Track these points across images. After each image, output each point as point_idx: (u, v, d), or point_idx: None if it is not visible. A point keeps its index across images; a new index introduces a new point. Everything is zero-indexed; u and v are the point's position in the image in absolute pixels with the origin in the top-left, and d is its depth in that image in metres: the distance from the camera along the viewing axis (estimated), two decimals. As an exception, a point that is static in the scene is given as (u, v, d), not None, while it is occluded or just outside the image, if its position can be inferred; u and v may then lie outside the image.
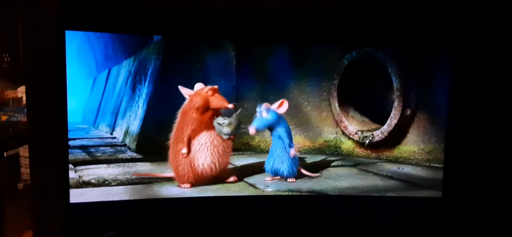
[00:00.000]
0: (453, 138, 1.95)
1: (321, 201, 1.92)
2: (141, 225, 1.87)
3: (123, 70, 2.32)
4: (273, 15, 1.84)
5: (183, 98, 1.91)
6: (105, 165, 2.01)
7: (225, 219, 1.90)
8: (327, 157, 2.24)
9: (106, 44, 2.20)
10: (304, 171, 2.02)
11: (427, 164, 2.05)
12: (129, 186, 1.85)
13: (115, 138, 2.34)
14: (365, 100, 2.25)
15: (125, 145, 2.24)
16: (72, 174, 1.83)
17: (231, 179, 1.94)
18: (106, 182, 1.86)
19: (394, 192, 1.94)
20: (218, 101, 1.86)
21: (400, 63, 2.04)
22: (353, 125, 2.25)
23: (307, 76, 2.15)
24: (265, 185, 1.93)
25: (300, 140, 2.21)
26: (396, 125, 2.11)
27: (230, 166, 1.98)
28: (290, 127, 2.00)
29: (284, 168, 1.95)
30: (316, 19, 1.88)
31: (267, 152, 2.08)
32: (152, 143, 2.11)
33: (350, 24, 1.90)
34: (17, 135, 2.22)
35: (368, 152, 2.20)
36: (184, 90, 1.88)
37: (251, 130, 1.93)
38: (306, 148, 2.00)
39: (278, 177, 1.98)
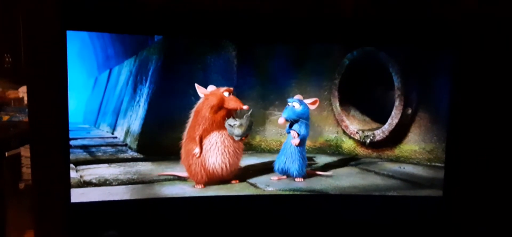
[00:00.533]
0: (454, 137, 1.95)
1: (322, 200, 1.92)
2: (142, 224, 1.87)
3: (124, 70, 2.33)
4: (273, 15, 1.84)
5: (184, 98, 1.91)
6: (106, 165, 2.01)
7: (226, 218, 1.91)
8: (328, 156, 2.24)
9: (107, 44, 2.21)
10: (318, 172, 2.02)
11: (428, 163, 2.05)
12: (130, 186, 1.86)
13: (116, 137, 2.34)
14: (366, 99, 2.25)
15: (126, 145, 2.24)
16: (73, 174, 1.83)
17: (233, 180, 1.95)
18: (107, 182, 1.86)
19: (395, 191, 1.94)
20: (233, 102, 1.86)
21: (401, 62, 2.03)
22: (354, 124, 2.25)
23: (308, 76, 2.15)
24: (266, 184, 1.93)
25: (301, 139, 2.21)
26: (397, 124, 2.10)
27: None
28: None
29: (295, 167, 1.95)
30: (317, 18, 1.88)
31: (268, 151, 2.08)
32: (153, 143, 2.12)
33: (351, 24, 1.90)
34: (18, 135, 2.23)
35: (369, 151, 2.20)
36: (200, 89, 1.88)
37: (281, 120, 1.93)
38: (308, 147, 1.99)
39: (285, 177, 1.98)
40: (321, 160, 2.19)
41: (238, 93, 2.00)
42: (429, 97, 2.05)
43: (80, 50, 1.90)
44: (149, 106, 2.12)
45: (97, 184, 1.85)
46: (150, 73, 2.14)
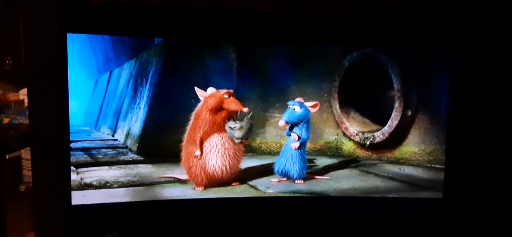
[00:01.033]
0: (454, 139, 1.95)
1: (322, 202, 1.92)
2: (142, 226, 1.87)
3: (125, 72, 2.33)
4: (273, 17, 1.85)
5: (184, 100, 1.92)
6: (106, 167, 2.02)
7: (227, 221, 1.91)
8: (328, 158, 2.24)
9: (107, 46, 2.21)
10: (317, 177, 2.03)
11: (428, 165, 2.05)
12: (130, 188, 1.86)
13: (116, 140, 2.35)
14: (366, 101, 2.25)
15: (126, 147, 2.24)
16: (73, 176, 1.84)
17: (233, 183, 1.95)
18: (108, 184, 1.87)
19: (395, 193, 1.94)
20: (233, 104, 1.86)
21: (401, 64, 2.04)
22: (354, 126, 2.26)
23: (308, 78, 2.15)
24: (266, 186, 1.93)
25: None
26: (397, 126, 2.11)
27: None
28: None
29: (295, 169, 1.95)
30: (316, 20, 1.88)
31: (268, 153, 2.08)
32: (154, 145, 2.12)
33: (350, 25, 1.90)
34: (19, 137, 2.23)
35: (369, 153, 2.21)
36: (200, 92, 1.88)
37: (281, 122, 1.93)
38: (308, 149, 2.00)
39: (285, 179, 1.98)
40: (321, 162, 2.20)
41: (238, 96, 2.00)
42: (428, 99, 2.05)
43: (80, 53, 1.90)
44: (149, 109, 2.13)
45: (97, 186, 1.85)
46: (150, 75, 2.15)
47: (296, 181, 1.96)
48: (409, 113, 2.09)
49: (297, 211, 1.93)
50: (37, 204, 1.80)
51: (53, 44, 1.71)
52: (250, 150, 2.15)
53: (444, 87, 1.95)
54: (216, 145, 1.86)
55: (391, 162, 2.14)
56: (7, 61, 2.39)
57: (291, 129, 1.94)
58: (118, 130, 2.34)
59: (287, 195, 1.89)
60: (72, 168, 1.84)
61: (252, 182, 1.96)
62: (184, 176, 1.91)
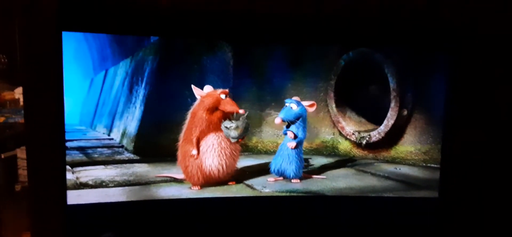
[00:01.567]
0: (449, 138, 1.96)
1: (318, 201, 1.92)
2: (138, 226, 1.87)
3: (120, 71, 2.32)
4: (270, 16, 1.84)
5: (180, 99, 1.91)
6: (102, 166, 2.01)
7: (223, 220, 1.91)
8: (324, 157, 2.24)
9: (103, 45, 2.20)
10: (313, 176, 2.03)
11: (424, 164, 2.06)
12: (126, 187, 1.85)
13: (112, 139, 2.34)
14: (362, 101, 2.25)
15: (122, 146, 2.24)
16: (69, 176, 1.83)
17: (230, 182, 1.95)
18: (104, 184, 1.86)
19: (391, 192, 1.95)
20: (229, 105, 1.85)
21: (397, 63, 2.04)
22: (350, 126, 2.26)
23: (304, 77, 2.15)
24: (262, 186, 1.93)
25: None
26: (393, 125, 2.11)
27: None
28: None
29: (292, 169, 1.95)
30: (313, 20, 1.88)
31: (265, 152, 2.08)
32: (150, 144, 2.12)
33: (346, 25, 1.91)
34: (14, 136, 2.22)
35: (365, 152, 2.21)
36: (196, 91, 1.88)
37: (277, 120, 1.93)
38: (304, 149, 2.00)
39: (282, 178, 1.98)
40: (318, 161, 2.20)
41: (234, 95, 2.00)
42: (424, 98, 2.06)
43: (76, 51, 1.89)
44: (145, 108, 2.12)
45: (93, 185, 1.84)
46: (146, 74, 2.14)
47: (292, 180, 1.96)
48: (405, 112, 2.10)
49: (294, 211, 1.93)
50: (33, 204, 1.80)
51: (49, 43, 1.71)
52: (246, 149, 2.15)
53: (440, 87, 1.95)
54: (213, 144, 1.86)
55: (387, 161, 2.15)
56: (2, 60, 2.37)
57: (288, 128, 1.94)
58: (114, 129, 2.34)
59: (284, 194, 1.89)
60: (68, 167, 1.83)
61: (249, 181, 1.96)
62: (180, 175, 1.91)
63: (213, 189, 1.89)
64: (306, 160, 2.12)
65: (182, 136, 1.89)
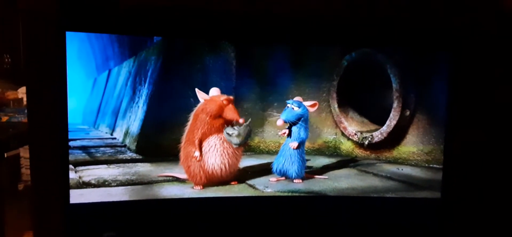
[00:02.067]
0: (452, 139, 1.95)
1: (320, 201, 1.92)
2: (141, 225, 1.87)
3: (123, 71, 2.33)
4: (272, 16, 1.85)
5: (183, 99, 1.92)
6: (105, 166, 2.02)
7: (225, 220, 1.91)
8: (326, 157, 2.24)
9: (106, 45, 2.21)
10: (316, 177, 2.03)
11: (426, 165, 2.05)
12: (129, 187, 1.86)
13: (115, 138, 2.35)
14: (364, 101, 2.25)
15: (125, 146, 2.24)
16: (72, 175, 1.83)
17: (232, 182, 1.95)
18: (106, 183, 1.87)
19: (393, 192, 1.94)
20: (231, 113, 1.85)
21: (399, 64, 2.04)
22: (353, 126, 2.26)
23: (307, 77, 2.15)
24: (264, 186, 1.93)
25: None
26: (396, 125, 2.11)
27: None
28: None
29: (294, 169, 1.94)
30: (315, 20, 1.88)
31: (267, 152, 2.08)
32: (152, 144, 2.12)
33: (349, 25, 1.91)
34: (17, 135, 2.23)
35: (368, 152, 2.21)
36: (200, 94, 1.87)
37: (279, 121, 1.93)
38: (306, 149, 2.00)
39: (284, 178, 1.98)
40: (320, 161, 2.20)
41: (237, 95, 2.01)
42: (427, 99, 2.05)
43: (79, 51, 1.90)
44: (148, 108, 2.13)
45: (96, 185, 1.85)
46: (149, 74, 2.15)
47: (294, 181, 1.96)
48: (408, 113, 2.09)
49: (296, 211, 1.93)
50: (36, 203, 1.80)
51: (52, 43, 1.71)
52: (248, 149, 2.15)
53: (442, 87, 1.95)
54: (215, 144, 1.86)
55: (389, 161, 2.15)
56: (6, 60, 2.39)
57: (289, 129, 1.94)
58: (116, 128, 2.34)
59: (286, 194, 1.89)
60: (71, 166, 1.84)
61: (251, 181, 1.96)
62: (183, 175, 1.91)
63: (215, 189, 1.89)
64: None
65: (184, 137, 1.89)
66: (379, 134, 2.16)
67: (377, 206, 1.93)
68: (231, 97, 1.88)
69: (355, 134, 2.24)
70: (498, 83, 1.94)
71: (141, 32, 1.96)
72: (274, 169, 1.98)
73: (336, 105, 2.26)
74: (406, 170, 2.07)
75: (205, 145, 1.86)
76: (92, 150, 2.14)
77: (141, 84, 2.18)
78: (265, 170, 2.02)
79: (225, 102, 1.86)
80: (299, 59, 2.14)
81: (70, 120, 1.75)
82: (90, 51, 2.11)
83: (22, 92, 2.47)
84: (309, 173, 2.03)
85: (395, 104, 2.09)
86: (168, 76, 2.11)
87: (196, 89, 1.87)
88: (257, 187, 1.92)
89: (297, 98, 1.95)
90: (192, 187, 1.88)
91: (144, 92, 2.15)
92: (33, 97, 1.75)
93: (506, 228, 1.99)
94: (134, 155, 2.15)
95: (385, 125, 2.14)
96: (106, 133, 2.41)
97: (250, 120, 1.87)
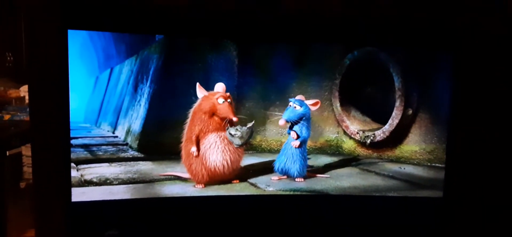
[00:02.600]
0: (454, 138, 1.95)
1: (322, 200, 1.92)
2: (142, 224, 1.87)
3: (125, 69, 2.33)
4: (275, 15, 1.84)
5: (185, 98, 1.91)
6: (107, 164, 2.02)
7: (227, 218, 1.91)
8: (328, 156, 2.24)
9: (108, 43, 2.21)
10: (318, 175, 2.02)
11: (429, 164, 2.05)
12: (130, 185, 1.86)
13: (117, 137, 2.35)
14: (366, 100, 2.25)
15: (127, 144, 2.24)
16: (74, 173, 1.83)
17: (234, 180, 1.95)
18: (108, 181, 1.87)
19: (396, 192, 1.94)
20: (224, 111, 1.84)
21: (402, 63, 2.03)
22: (355, 125, 2.25)
23: (309, 76, 2.15)
24: (266, 184, 1.93)
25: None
26: (398, 124, 2.10)
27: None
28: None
29: (296, 168, 1.94)
30: (318, 19, 1.88)
31: (269, 151, 2.08)
32: (154, 142, 2.12)
33: (352, 24, 1.90)
34: (19, 134, 2.24)
35: (370, 151, 2.20)
36: (199, 90, 1.87)
37: (281, 121, 1.93)
38: (308, 147, 1.99)
39: (285, 177, 1.98)
40: (322, 160, 2.19)
41: (239, 94, 2.00)
42: (429, 98, 2.05)
43: (81, 49, 1.90)
44: (150, 106, 2.13)
45: (98, 183, 1.85)
46: (151, 72, 2.15)
47: (296, 179, 1.95)
48: (410, 112, 2.09)
49: (297, 209, 1.93)
50: (38, 201, 1.81)
51: (54, 41, 1.72)
52: (250, 147, 2.15)
53: (445, 86, 1.95)
54: (216, 142, 1.85)
55: (391, 160, 2.14)
56: (8, 58, 2.39)
57: (291, 127, 1.94)
58: (118, 126, 2.34)
59: (287, 193, 1.89)
60: (72, 164, 1.84)
61: (252, 180, 1.96)
62: (185, 174, 1.91)
63: (217, 187, 1.89)
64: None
65: (184, 134, 1.89)
66: (381, 133, 2.16)
67: (379, 205, 1.93)
68: (228, 94, 1.87)
69: (357, 133, 2.23)
70: (501, 82, 1.93)
71: (143, 30, 1.96)
72: (276, 167, 1.98)
73: (338, 104, 2.25)
74: (408, 169, 2.07)
75: (205, 142, 1.86)
76: (94, 148, 2.14)
77: (143, 83, 2.17)
78: (267, 168, 2.02)
79: (220, 100, 1.84)
80: (301, 57, 2.13)
81: (72, 118, 1.76)
82: (92, 50, 2.11)
83: (24, 91, 2.47)
84: (311, 171, 2.02)
85: (397, 103, 2.09)
86: (170, 74, 2.10)
87: (197, 85, 1.87)
88: (259, 186, 1.92)
89: (299, 96, 1.95)
90: (194, 186, 1.88)
91: (146, 90, 2.15)
92: (35, 96, 1.76)
93: (508, 227, 1.99)
94: (136, 153, 2.15)
95: (387, 124, 2.14)
96: (108, 131, 2.41)
97: (253, 122, 1.87)
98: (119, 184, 1.86)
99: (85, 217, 1.80)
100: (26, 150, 2.19)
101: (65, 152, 1.77)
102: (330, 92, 2.25)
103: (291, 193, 1.89)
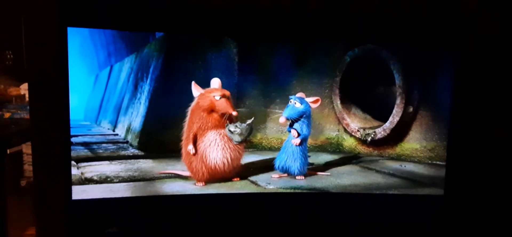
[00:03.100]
0: (455, 135, 1.95)
1: (323, 198, 1.92)
2: (143, 221, 1.87)
3: (125, 67, 2.33)
4: (275, 12, 1.84)
5: (185, 95, 1.91)
6: (107, 162, 2.02)
7: (227, 216, 1.91)
8: (329, 154, 2.24)
9: (108, 41, 2.21)
10: (319, 173, 2.02)
11: (429, 162, 2.05)
12: (131, 183, 1.86)
13: (117, 134, 2.35)
14: (367, 97, 2.25)
15: (127, 142, 2.25)
16: (74, 171, 1.84)
17: (234, 178, 1.95)
18: (108, 179, 1.87)
19: (396, 189, 1.94)
20: (223, 107, 1.83)
21: (403, 60, 2.03)
22: (355, 122, 2.25)
23: (309, 73, 2.15)
24: (267, 182, 1.93)
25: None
26: (398, 122, 2.10)
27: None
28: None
29: (296, 166, 1.94)
30: (318, 16, 1.87)
31: (269, 149, 2.08)
32: (154, 140, 2.12)
33: (352, 21, 1.90)
34: (20, 132, 2.23)
35: (370, 149, 2.20)
36: (195, 88, 1.86)
37: (282, 119, 1.92)
38: (309, 145, 1.99)
39: (286, 174, 1.98)
40: (322, 158, 2.19)
41: (239, 91, 2.00)
42: (430, 95, 2.04)
43: (81, 47, 1.90)
44: (150, 104, 2.13)
45: (98, 181, 1.85)
46: (151, 70, 2.14)
47: (296, 177, 1.95)
48: (411, 109, 2.08)
49: (298, 207, 1.93)
50: (38, 199, 1.81)
51: (54, 39, 1.71)
52: (251, 145, 2.15)
53: (446, 84, 1.94)
54: (215, 139, 1.85)
55: (392, 158, 2.14)
56: (8, 56, 2.39)
57: (291, 125, 1.94)
58: (118, 124, 2.35)
59: (288, 191, 1.89)
60: (73, 162, 1.84)
61: (253, 178, 1.96)
62: (185, 172, 1.91)
63: (217, 185, 1.89)
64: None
65: (184, 132, 1.89)
66: (382, 131, 2.16)
67: (379, 203, 1.92)
68: (224, 91, 1.86)
69: (358, 130, 2.23)
70: (502, 80, 1.93)
71: (143, 27, 1.96)
72: (276, 165, 1.97)
73: (338, 102, 2.25)
74: (409, 166, 2.07)
75: (205, 140, 1.85)
76: (94, 146, 2.15)
77: (143, 81, 2.17)
78: (267, 166, 2.02)
79: (217, 97, 1.83)
80: (302, 55, 2.13)
81: (72, 116, 1.76)
82: (92, 47, 2.11)
83: (24, 89, 2.46)
84: (312, 169, 2.02)
85: (398, 101, 2.08)
86: (170, 72, 2.10)
87: (193, 83, 1.86)
88: (259, 184, 1.92)
89: (299, 94, 1.95)
90: (195, 184, 1.88)
91: (146, 88, 2.15)
92: (35, 94, 1.75)
93: (509, 225, 1.99)
94: (136, 151, 2.15)
95: (388, 121, 2.13)
96: (108, 129, 2.41)
97: (253, 118, 1.86)
98: (119, 182, 1.86)
99: (86, 215, 1.80)
100: (27, 148, 2.19)
101: (65, 150, 1.77)
102: (331, 90, 2.25)
103: (292, 191, 1.89)
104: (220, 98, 1.83)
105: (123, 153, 2.14)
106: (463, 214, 1.99)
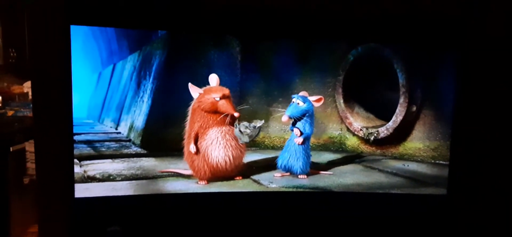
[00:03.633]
0: (458, 135, 1.94)
1: (325, 197, 1.91)
2: (145, 220, 1.87)
3: (128, 65, 2.33)
4: (278, 10, 1.83)
5: (188, 94, 1.91)
6: (109, 160, 2.02)
7: (229, 215, 1.91)
8: (332, 153, 2.23)
9: (111, 39, 2.21)
10: (321, 172, 2.02)
11: (433, 161, 2.04)
12: (133, 181, 1.86)
13: (120, 133, 2.35)
14: (370, 96, 2.24)
15: (129, 140, 2.25)
16: (77, 169, 1.84)
17: (236, 177, 1.94)
18: (111, 177, 1.87)
19: (399, 189, 1.93)
20: (225, 108, 1.83)
21: (406, 59, 2.02)
22: (358, 121, 2.25)
23: (312, 72, 2.14)
24: (269, 181, 1.92)
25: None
26: (402, 121, 2.09)
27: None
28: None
29: (299, 165, 1.94)
30: (321, 15, 1.87)
31: (272, 148, 2.07)
32: (157, 138, 2.12)
33: (355, 20, 1.89)
34: (23, 129, 2.24)
35: (373, 148, 2.19)
36: (193, 89, 1.86)
37: (284, 117, 1.92)
38: (311, 144, 1.99)
39: (288, 173, 1.97)
40: (325, 157, 2.19)
41: (242, 90, 2.00)
42: (433, 94, 2.04)
43: (84, 45, 1.90)
44: (152, 102, 2.13)
45: (101, 179, 1.85)
46: (153, 68, 2.14)
47: (299, 176, 1.95)
48: (414, 108, 2.08)
49: (300, 206, 1.92)
50: (41, 196, 1.82)
51: (57, 37, 1.72)
52: (253, 144, 2.15)
53: (449, 83, 1.94)
54: (217, 138, 1.85)
55: (395, 157, 2.13)
56: (12, 54, 2.39)
57: (294, 124, 1.93)
58: (121, 123, 2.35)
59: (290, 189, 1.89)
60: (76, 160, 1.84)
61: (255, 177, 1.96)
62: (187, 171, 1.91)
63: (219, 184, 1.89)
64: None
65: (186, 131, 1.89)
66: (385, 130, 2.15)
67: (382, 202, 1.92)
68: (225, 89, 1.86)
69: (361, 130, 2.22)
70: (506, 80, 1.92)
71: (145, 26, 1.96)
72: (279, 164, 1.97)
73: (341, 101, 2.25)
74: (412, 166, 2.06)
75: (206, 138, 1.85)
76: (97, 144, 2.15)
77: (146, 79, 2.17)
78: (270, 165, 2.02)
79: (218, 98, 1.83)
80: (304, 54, 2.12)
81: (75, 114, 1.76)
82: (95, 46, 2.11)
83: (27, 87, 2.47)
84: (314, 168, 2.02)
85: (401, 100, 2.08)
86: (173, 70, 2.10)
87: (189, 84, 1.85)
88: (262, 183, 1.92)
89: (302, 93, 1.94)
90: (197, 182, 1.88)
91: (148, 86, 2.15)
92: (38, 92, 1.76)
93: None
94: (138, 150, 2.15)
95: (391, 121, 2.13)
96: (111, 127, 2.41)
97: (263, 121, 1.86)
98: (122, 180, 1.86)
99: (88, 213, 1.81)
100: (30, 146, 2.20)
101: (68, 148, 1.77)
102: (334, 89, 2.24)
103: (294, 189, 1.89)
104: (220, 99, 1.83)
105: (125, 151, 2.14)
106: (466, 213, 1.98)
